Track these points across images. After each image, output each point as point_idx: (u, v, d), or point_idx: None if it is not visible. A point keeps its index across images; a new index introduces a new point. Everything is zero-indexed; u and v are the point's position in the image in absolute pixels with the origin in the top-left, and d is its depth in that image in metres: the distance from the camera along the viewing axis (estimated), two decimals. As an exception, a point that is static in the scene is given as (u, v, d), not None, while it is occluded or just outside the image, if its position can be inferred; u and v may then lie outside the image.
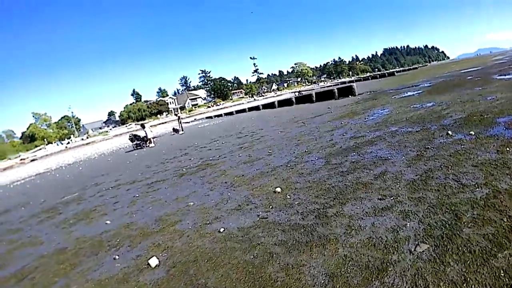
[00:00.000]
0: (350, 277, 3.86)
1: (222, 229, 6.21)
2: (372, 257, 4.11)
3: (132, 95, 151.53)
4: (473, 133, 8.54)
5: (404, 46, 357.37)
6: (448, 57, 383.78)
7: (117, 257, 6.19)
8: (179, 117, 42.73)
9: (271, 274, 4.32)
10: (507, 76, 21.73)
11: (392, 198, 5.67)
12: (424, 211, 4.92)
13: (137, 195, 10.80)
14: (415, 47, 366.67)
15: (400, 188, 5.99)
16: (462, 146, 7.63)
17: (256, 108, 53.06)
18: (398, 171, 6.95)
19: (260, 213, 6.55)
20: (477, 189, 5.24)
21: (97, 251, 6.77)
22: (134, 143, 31.08)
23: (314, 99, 37.92)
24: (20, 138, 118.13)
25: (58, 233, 8.85)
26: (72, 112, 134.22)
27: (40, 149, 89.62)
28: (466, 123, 9.78)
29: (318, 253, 4.49)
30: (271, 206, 6.75)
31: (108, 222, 8.66)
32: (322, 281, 3.91)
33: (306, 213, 5.99)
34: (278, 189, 7.57)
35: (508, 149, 6.83)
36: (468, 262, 3.61)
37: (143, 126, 31.11)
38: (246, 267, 4.63)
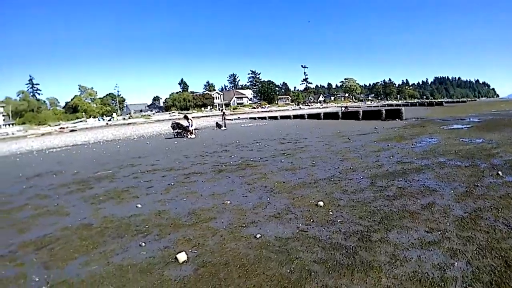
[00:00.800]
0: (393, 311, 3.75)
1: (258, 235, 6.02)
2: (417, 293, 4.00)
3: (179, 84, 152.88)
4: None
5: (455, 78, 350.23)
6: (498, 95, 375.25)
7: (143, 244, 6.02)
8: (224, 113, 43.14)
9: (308, 294, 4.18)
10: None
11: (439, 232, 5.52)
12: (473, 252, 4.77)
13: (172, 184, 10.76)
14: (466, 80, 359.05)
15: (448, 224, 5.84)
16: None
17: (301, 116, 53.00)
18: (446, 205, 6.79)
19: (300, 225, 6.43)
20: None
21: (123, 234, 6.62)
22: (176, 131, 31.33)
23: (360, 116, 37.63)
24: (63, 107, 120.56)
25: (86, 208, 8.78)
26: (118, 91, 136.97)
27: (81, 121, 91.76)
28: None
29: (359, 280, 4.35)
30: (312, 220, 6.63)
31: (139, 205, 8.52)
32: (364, 311, 3.81)
33: (348, 233, 5.87)
34: (321, 203, 7.45)
35: None
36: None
37: (186, 118, 31.33)
38: (282, 281, 4.46)
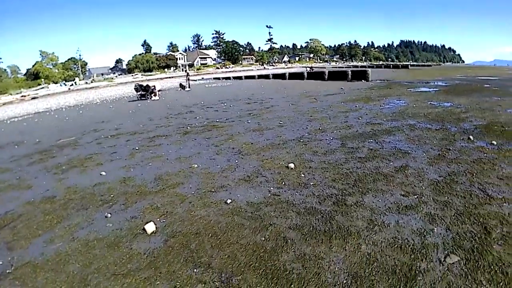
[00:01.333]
0: (375, 281, 3.51)
1: (229, 201, 5.78)
2: (399, 261, 3.76)
3: (142, 45, 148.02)
4: (495, 143, 8.17)
5: (421, 41, 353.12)
6: (463, 61, 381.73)
7: (109, 215, 5.73)
8: (187, 73, 42.50)
9: (286, 264, 3.91)
10: None
11: (416, 196, 5.32)
12: (451, 217, 4.60)
13: (137, 148, 10.41)
14: (432, 44, 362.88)
15: (423, 187, 5.64)
16: (485, 155, 7.28)
17: (266, 76, 52.64)
18: (420, 168, 6.60)
19: (272, 188, 6.16)
20: (505, 204, 4.93)
21: (88, 205, 6.28)
22: (139, 93, 30.78)
23: (326, 77, 37.24)
24: (24, 74, 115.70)
25: (49, 179, 8.36)
26: (80, 55, 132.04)
27: (43, 87, 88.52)
28: (487, 131, 9.41)
29: (338, 247, 4.11)
30: (283, 183, 6.36)
31: (103, 173, 8.19)
32: (344, 281, 3.56)
33: (323, 197, 5.62)
34: (291, 165, 7.18)
35: None
36: (502, 284, 3.31)
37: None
38: (257, 250, 4.19)
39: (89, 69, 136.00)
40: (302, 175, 6.65)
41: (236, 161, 8.04)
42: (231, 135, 10.74)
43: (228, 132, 11.32)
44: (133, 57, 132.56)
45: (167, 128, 13.25)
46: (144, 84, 32.18)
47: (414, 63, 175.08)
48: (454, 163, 6.81)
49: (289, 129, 10.97)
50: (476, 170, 6.34)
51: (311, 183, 6.21)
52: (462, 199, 5.15)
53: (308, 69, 72.11)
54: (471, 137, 8.72)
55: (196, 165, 7.96)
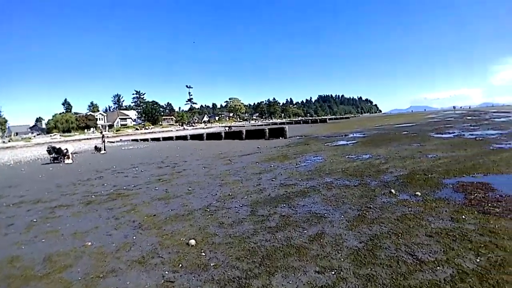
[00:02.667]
0: None
1: None
2: None
3: (63, 104, 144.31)
4: (419, 194, 7.76)
5: (338, 95, 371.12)
6: (381, 111, 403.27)
7: None
8: (103, 135, 40.70)
9: None
10: (444, 135, 22.17)
11: (333, 272, 4.51)
12: (377, 296, 3.76)
13: (35, 220, 9.13)
14: (349, 97, 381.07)
15: (342, 259, 4.84)
16: (410, 209, 6.76)
17: (184, 137, 51.64)
18: (338, 234, 5.82)
19: (166, 272, 5.15)
20: (439, 267, 4.37)
21: None
22: (52, 156, 28.72)
23: (244, 136, 37.06)
24: None
25: None
26: (0, 111, 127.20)
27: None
28: (409, 182, 9.04)
29: None
30: (180, 265, 5.33)
31: None
32: None
33: (223, 281, 4.64)
34: (192, 241, 6.15)
35: (463, 216, 6.15)
36: None
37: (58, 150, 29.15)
38: None
39: (8, 126, 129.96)
40: (203, 254, 5.62)
41: (134, 237, 6.96)
42: (135, 205, 9.61)
43: (133, 201, 10.19)
44: (53, 116, 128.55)
45: (71, 197, 11.93)
46: (57, 146, 30.43)
47: (333, 116, 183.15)
48: (376, 223, 6.14)
49: (197, 196, 10.01)
50: (401, 229, 5.71)
51: (211, 264, 5.19)
52: (388, 269, 4.44)
53: (227, 128, 72.53)
54: (392, 190, 8.24)
55: (90, 243, 6.87)
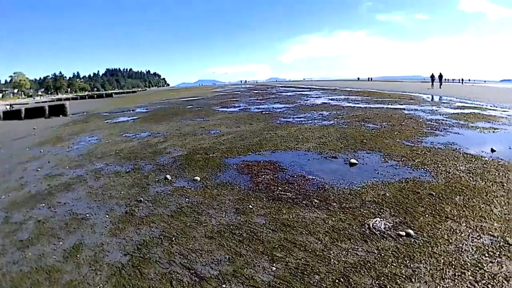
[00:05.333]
0: None
1: None
2: None
3: None
4: (198, 178, 6.99)
5: (126, 69, 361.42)
6: (169, 84, 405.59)
7: None
8: None
9: None
10: (229, 109, 22.48)
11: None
12: None
13: None
14: (138, 71, 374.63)
15: (101, 284, 3.65)
16: (187, 200, 5.89)
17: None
18: (99, 244, 4.60)
19: None
20: (224, 286, 3.46)
21: None
22: None
23: (23, 115, 32.98)
24: None
25: None
26: None
27: None
28: (188, 164, 8.30)
29: None
30: None
31: None
32: None
33: None
34: None
35: (250, 206, 5.42)
36: None
37: None
38: None
39: None
40: None
41: None
42: None
43: None
44: None
45: None
46: None
47: (120, 90, 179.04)
48: (145, 223, 5.10)
49: None
50: (176, 230, 4.77)
51: None
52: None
53: (8, 107, 64.92)
54: (168, 176, 7.34)
55: None
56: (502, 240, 3.94)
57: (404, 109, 18.07)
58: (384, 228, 4.40)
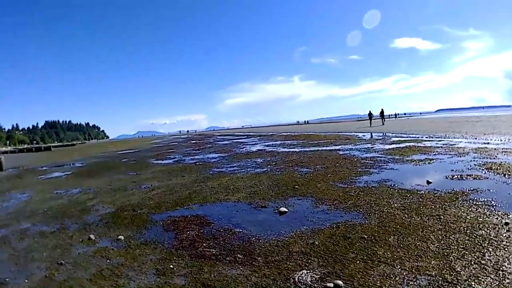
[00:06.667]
0: None
1: None
2: None
3: None
4: (122, 238, 6.65)
5: (66, 121, 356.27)
6: (108, 137, 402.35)
7: None
8: None
9: None
10: (164, 161, 22.25)
11: None
12: None
13: None
14: (77, 123, 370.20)
15: None
16: (108, 262, 5.51)
17: None
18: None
19: None
20: None
21: None
22: None
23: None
24: None
25: None
26: None
27: None
28: (114, 221, 7.91)
29: None
30: None
31: None
32: None
33: None
34: None
35: (171, 266, 5.07)
36: None
37: None
38: None
39: None
40: None
41: None
42: None
43: None
44: None
45: None
46: None
47: (59, 144, 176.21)
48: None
49: None
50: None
51: None
52: None
53: None
54: (92, 235, 6.90)
55: None
56: (441, 278, 3.83)
57: (339, 150, 18.58)
58: (310, 280, 4.19)
